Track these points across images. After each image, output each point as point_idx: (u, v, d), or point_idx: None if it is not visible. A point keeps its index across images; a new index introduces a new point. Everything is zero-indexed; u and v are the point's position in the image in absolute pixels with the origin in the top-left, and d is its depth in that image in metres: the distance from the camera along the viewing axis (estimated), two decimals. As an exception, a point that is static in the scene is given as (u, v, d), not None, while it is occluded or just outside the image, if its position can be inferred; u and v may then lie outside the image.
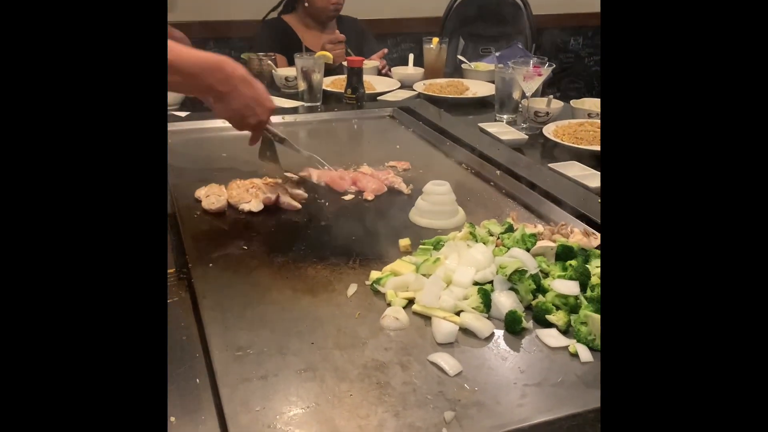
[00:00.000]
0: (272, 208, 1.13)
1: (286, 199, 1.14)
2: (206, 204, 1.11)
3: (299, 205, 1.15)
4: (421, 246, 0.96)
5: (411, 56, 2.28)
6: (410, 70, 2.23)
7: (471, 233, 0.98)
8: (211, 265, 0.93)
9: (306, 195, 1.19)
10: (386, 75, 2.24)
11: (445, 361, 0.73)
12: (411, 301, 0.85)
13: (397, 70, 2.21)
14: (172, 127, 1.56)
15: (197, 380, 0.71)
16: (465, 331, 0.79)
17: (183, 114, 1.69)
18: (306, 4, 2.32)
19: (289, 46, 2.25)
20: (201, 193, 1.15)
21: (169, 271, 0.94)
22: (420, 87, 2.01)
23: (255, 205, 1.12)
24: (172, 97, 1.76)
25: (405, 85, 2.08)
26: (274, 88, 2.01)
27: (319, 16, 2.33)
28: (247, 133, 1.23)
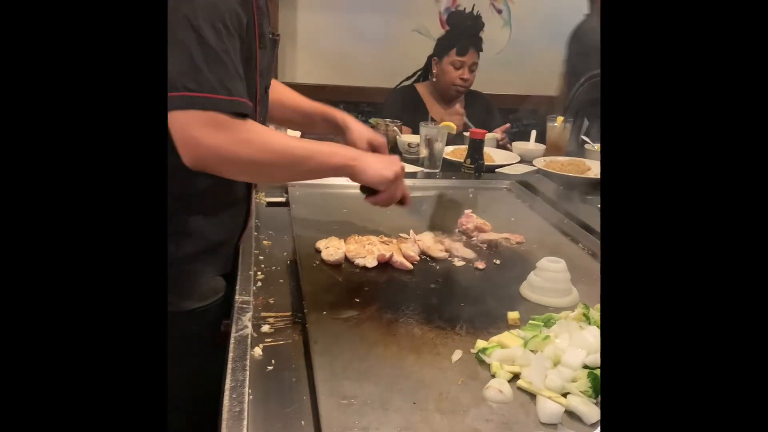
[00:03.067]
0: (385, 266, 1.17)
1: (399, 259, 1.18)
2: (325, 255, 1.17)
3: (411, 266, 1.18)
4: (530, 321, 0.95)
5: (533, 132, 2.30)
6: (531, 145, 2.24)
7: (584, 314, 0.95)
8: (324, 312, 0.97)
9: (418, 258, 1.22)
10: (505, 148, 2.27)
11: (548, 442, 0.71)
12: (516, 376, 0.84)
13: (518, 145, 2.24)
14: (299, 182, 1.67)
15: (302, 422, 0.74)
16: (570, 414, 0.77)
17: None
18: (434, 80, 2.44)
19: (415, 114, 2.35)
20: (321, 244, 1.22)
21: (286, 314, 0.99)
22: (540, 163, 2.02)
23: (370, 261, 1.16)
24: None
25: (525, 160, 2.09)
26: (396, 152, 2.09)
27: (445, 92, 2.43)
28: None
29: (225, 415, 0.72)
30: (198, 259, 1.11)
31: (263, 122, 1.18)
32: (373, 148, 1.36)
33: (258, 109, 1.03)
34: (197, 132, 0.92)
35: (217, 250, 1.15)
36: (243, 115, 0.96)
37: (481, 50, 2.40)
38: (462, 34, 2.38)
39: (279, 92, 1.40)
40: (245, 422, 0.71)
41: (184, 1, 0.90)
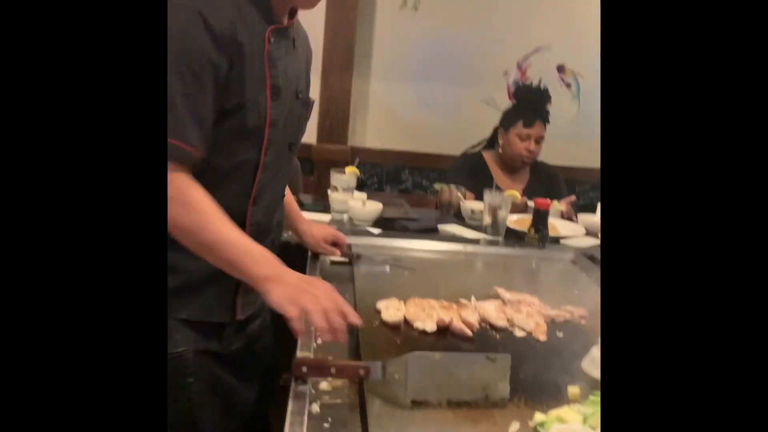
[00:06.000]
0: (444, 331, 1.17)
1: (458, 325, 1.18)
2: (385, 316, 1.19)
3: (470, 333, 1.17)
4: (591, 397, 0.92)
5: (600, 205, 2.27)
6: (597, 218, 2.21)
7: (649, 395, 0.92)
8: (382, 373, 0.98)
9: (478, 325, 1.21)
10: (570, 220, 2.24)
11: None
12: (575, 454, 0.81)
13: (584, 217, 2.21)
14: (364, 241, 1.71)
15: (355, 482, 0.74)
16: (632, 499, 0.73)
17: (376, 231, 1.85)
18: (500, 150, 2.45)
19: (480, 181, 2.37)
20: (382, 305, 1.23)
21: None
22: (606, 236, 1.98)
23: (429, 325, 1.17)
24: (367, 213, 1.93)
25: (590, 233, 2.06)
26: (459, 218, 2.11)
27: (511, 161, 2.43)
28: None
29: (281, 467, 0.73)
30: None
31: (278, 175, 1.18)
32: (333, 244, 1.52)
33: (265, 159, 1.08)
34: None
35: None
36: (181, 161, 0.98)
37: (548, 122, 2.42)
38: (529, 106, 2.41)
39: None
40: (299, 477, 0.72)
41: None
